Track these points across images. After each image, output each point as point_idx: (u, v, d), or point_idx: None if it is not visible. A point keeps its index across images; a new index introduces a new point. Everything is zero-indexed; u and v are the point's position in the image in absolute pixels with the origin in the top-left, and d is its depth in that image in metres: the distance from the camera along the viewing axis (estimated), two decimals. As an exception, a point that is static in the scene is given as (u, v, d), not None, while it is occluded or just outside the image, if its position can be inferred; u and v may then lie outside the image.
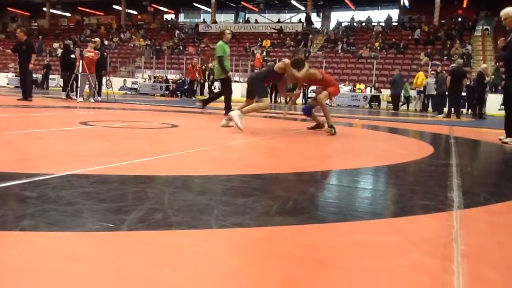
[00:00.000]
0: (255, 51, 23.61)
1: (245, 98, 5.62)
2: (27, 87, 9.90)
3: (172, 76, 22.22)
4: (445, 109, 12.71)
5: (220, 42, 7.78)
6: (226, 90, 8.04)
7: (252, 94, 5.52)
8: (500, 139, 5.37)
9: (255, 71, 18.14)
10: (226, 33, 7.95)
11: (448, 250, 1.41)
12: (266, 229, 1.54)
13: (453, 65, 13.13)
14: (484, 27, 23.33)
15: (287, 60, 5.40)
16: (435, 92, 14.29)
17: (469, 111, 14.48)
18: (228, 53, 7.96)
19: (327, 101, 5.89)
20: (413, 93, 17.59)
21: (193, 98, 17.00)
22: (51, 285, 1.04)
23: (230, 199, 1.89)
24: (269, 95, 6.05)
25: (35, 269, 1.11)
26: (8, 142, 3.40)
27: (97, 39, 12.66)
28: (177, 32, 29.01)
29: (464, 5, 25.09)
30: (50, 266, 1.13)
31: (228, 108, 7.53)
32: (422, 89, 16.03)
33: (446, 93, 13.06)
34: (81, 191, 1.87)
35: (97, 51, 11.25)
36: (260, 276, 1.17)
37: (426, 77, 16.16)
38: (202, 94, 21.49)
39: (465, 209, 1.96)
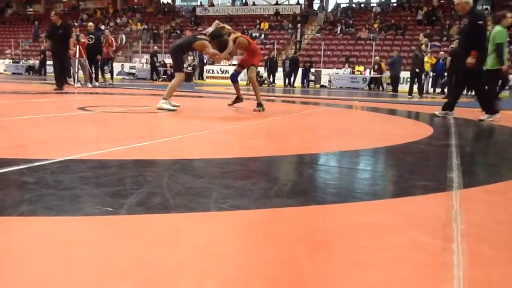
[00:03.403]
0: (253, 34, 23.37)
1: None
2: (63, 74, 9.62)
3: (170, 60, 21.99)
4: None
5: (499, 27, 6.12)
6: (492, 85, 6.41)
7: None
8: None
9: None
10: (507, 16, 6.27)
11: (448, 230, 1.41)
12: (265, 211, 1.54)
13: (453, 45, 13.04)
14: (484, 6, 23.09)
15: (207, 44, 5.22)
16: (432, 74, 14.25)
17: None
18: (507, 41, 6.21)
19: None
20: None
21: (103, 82, 12.84)
22: (50, 269, 1.04)
23: (229, 182, 1.89)
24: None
25: (34, 254, 1.10)
26: (6, 128, 3.39)
27: (90, 23, 12.53)
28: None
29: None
30: (49, 250, 1.13)
31: (488, 108, 5.94)
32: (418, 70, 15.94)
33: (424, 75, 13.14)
34: (79, 176, 1.87)
35: (91, 36, 11.21)
36: (259, 257, 1.17)
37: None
38: (201, 78, 21.28)
39: (464, 189, 1.96)
